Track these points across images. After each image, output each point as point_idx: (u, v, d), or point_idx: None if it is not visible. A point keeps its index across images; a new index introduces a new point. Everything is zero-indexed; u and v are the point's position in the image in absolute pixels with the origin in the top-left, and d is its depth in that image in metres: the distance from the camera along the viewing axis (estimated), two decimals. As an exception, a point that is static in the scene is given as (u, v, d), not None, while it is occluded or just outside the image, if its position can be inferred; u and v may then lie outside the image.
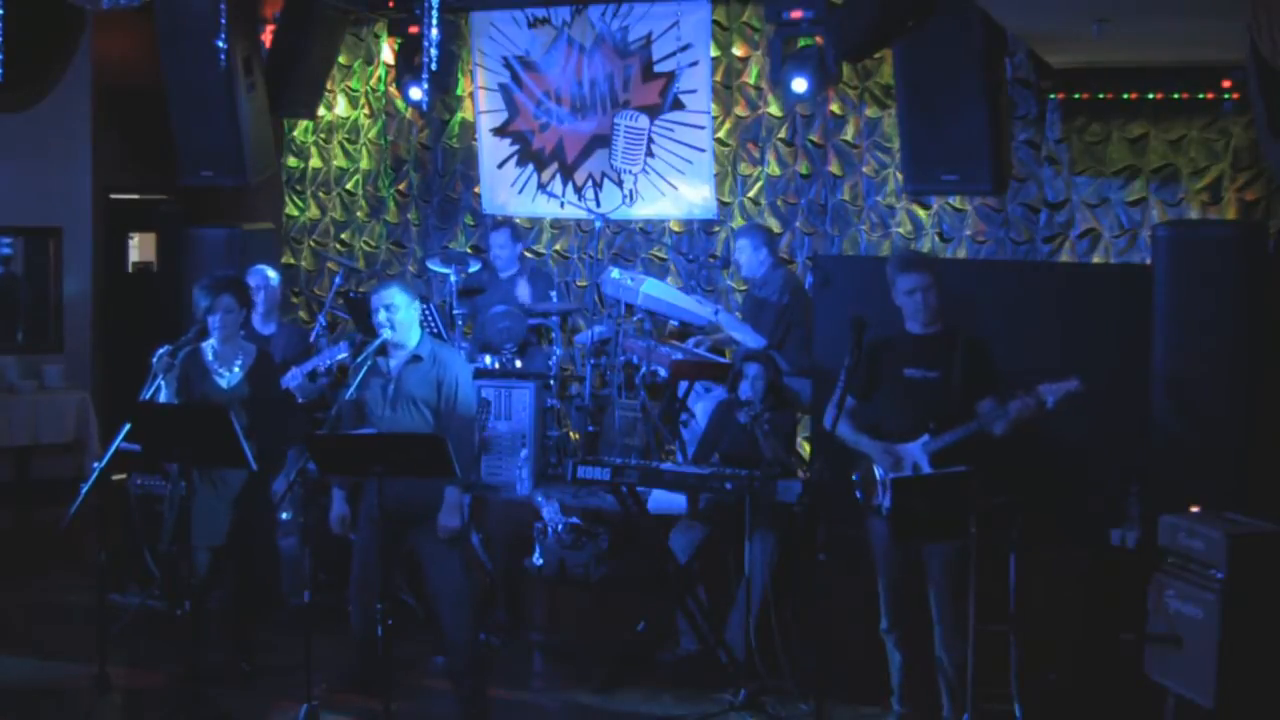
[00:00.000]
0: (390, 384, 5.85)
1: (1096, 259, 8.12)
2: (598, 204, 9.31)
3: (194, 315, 6.39)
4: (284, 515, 7.04)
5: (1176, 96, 7.84)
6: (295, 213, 10.77)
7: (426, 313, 7.93)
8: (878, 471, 5.60)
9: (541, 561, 6.95)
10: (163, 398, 6.08)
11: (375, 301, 5.88)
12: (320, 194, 10.70)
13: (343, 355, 6.84)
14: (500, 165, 9.85)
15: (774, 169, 9.09)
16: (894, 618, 5.74)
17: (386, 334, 5.84)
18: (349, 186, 10.58)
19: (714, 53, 9.07)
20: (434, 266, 8.63)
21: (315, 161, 10.69)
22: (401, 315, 5.85)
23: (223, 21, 7.29)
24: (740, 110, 9.17)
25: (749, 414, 6.34)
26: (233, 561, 6.33)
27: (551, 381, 8.06)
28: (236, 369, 6.22)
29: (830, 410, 5.60)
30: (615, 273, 8.33)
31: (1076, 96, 8.05)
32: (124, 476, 7.35)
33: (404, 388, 5.85)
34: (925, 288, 5.60)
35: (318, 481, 6.38)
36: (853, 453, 5.79)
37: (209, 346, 6.25)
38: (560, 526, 6.93)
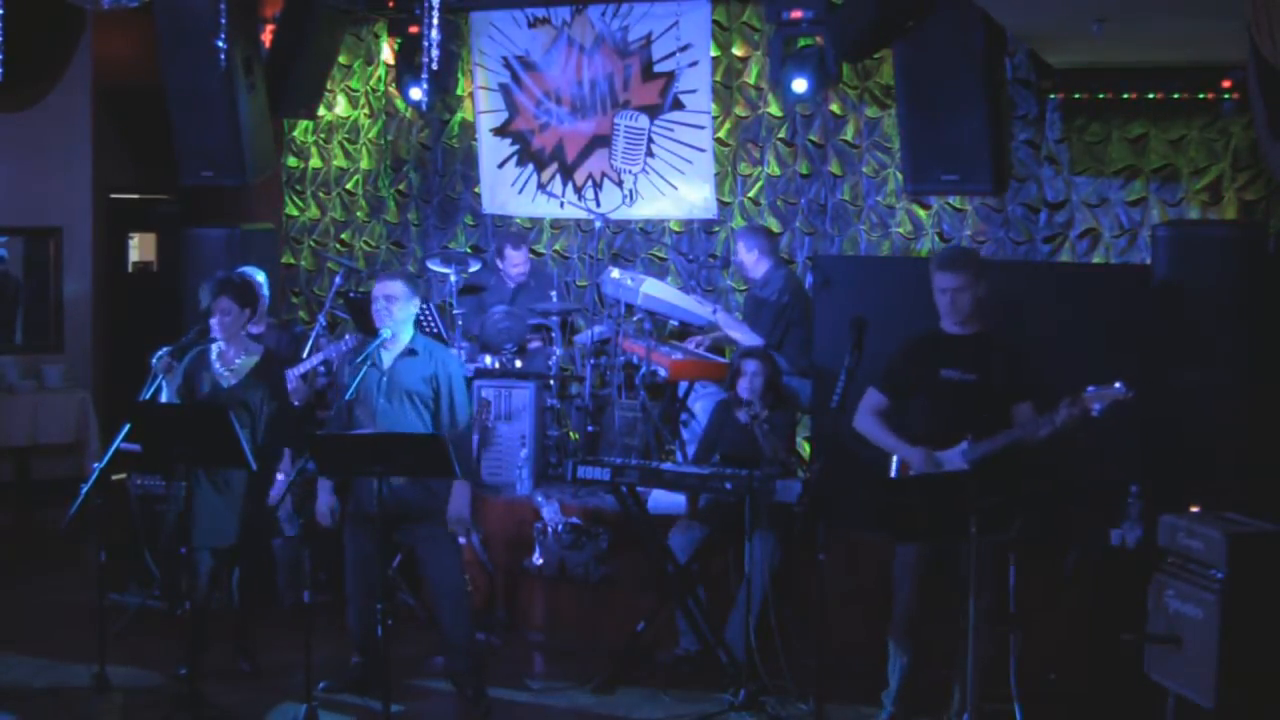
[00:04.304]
0: (384, 377, 5.92)
1: (1096, 259, 8.10)
2: (598, 204, 9.30)
3: (196, 314, 6.39)
4: (289, 528, 7.06)
5: (1176, 96, 7.82)
6: (295, 213, 10.77)
7: (426, 312, 7.93)
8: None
9: (541, 561, 6.95)
10: (163, 398, 6.09)
11: (377, 290, 5.96)
12: (320, 194, 10.70)
13: (346, 349, 6.83)
14: (500, 165, 9.84)
15: (774, 169, 9.08)
16: (910, 622, 5.68)
17: (386, 333, 5.88)
18: (349, 186, 10.57)
19: (714, 53, 9.05)
20: (434, 266, 8.63)
21: (315, 161, 10.68)
22: (400, 307, 5.92)
23: (223, 21, 7.29)
24: (740, 110, 9.16)
25: (748, 414, 6.35)
26: (236, 562, 6.33)
27: (551, 381, 8.05)
28: (238, 368, 6.21)
29: (858, 414, 5.62)
30: (615, 273, 8.32)
31: (1076, 96, 8.03)
32: (124, 476, 7.35)
33: (398, 380, 5.91)
34: (957, 289, 5.49)
35: (311, 478, 6.38)
36: (856, 456, 5.78)
37: (215, 348, 6.25)
38: (560, 526, 6.93)
